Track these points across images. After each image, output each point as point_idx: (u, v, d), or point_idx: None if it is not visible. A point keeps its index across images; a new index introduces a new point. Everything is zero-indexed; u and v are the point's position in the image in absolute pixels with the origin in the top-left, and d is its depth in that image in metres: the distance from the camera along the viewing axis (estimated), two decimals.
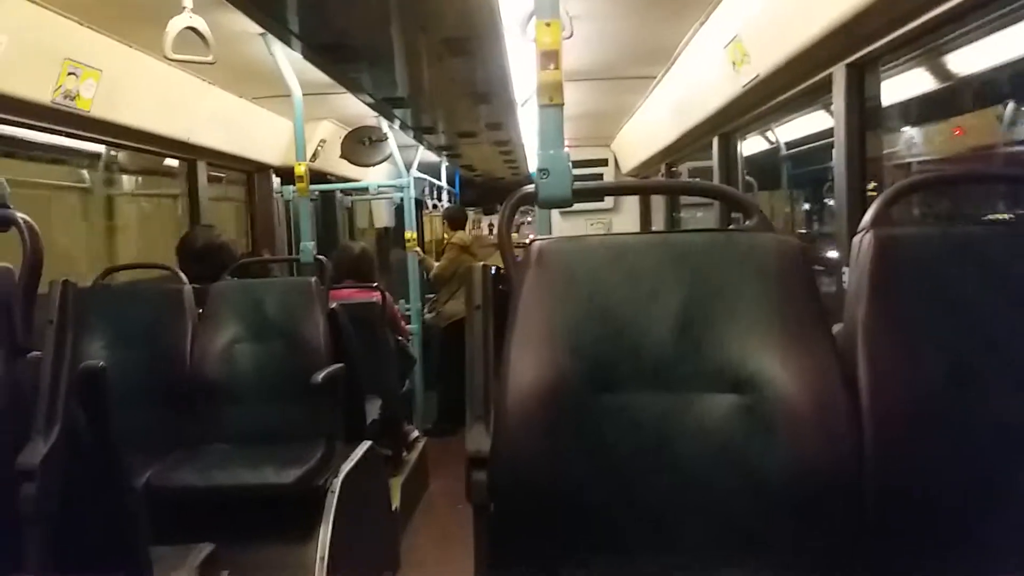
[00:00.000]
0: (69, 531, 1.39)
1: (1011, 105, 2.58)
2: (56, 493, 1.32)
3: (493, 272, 1.40)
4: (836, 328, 1.30)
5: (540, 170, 1.37)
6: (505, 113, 3.95)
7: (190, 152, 3.86)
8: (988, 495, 1.17)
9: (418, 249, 5.61)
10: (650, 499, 1.23)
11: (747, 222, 1.36)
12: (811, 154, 4.04)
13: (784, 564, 1.18)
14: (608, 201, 6.51)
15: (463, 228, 5.89)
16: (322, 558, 2.37)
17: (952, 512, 1.17)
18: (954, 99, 2.85)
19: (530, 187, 1.41)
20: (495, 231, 1.44)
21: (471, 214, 7.67)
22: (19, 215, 1.37)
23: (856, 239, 1.31)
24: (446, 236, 5.88)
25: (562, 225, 6.19)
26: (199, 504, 2.34)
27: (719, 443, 1.22)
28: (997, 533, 1.16)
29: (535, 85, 1.40)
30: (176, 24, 2.32)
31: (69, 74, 2.63)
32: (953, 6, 1.88)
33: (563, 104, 1.38)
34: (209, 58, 2.42)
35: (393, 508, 3.37)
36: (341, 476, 2.55)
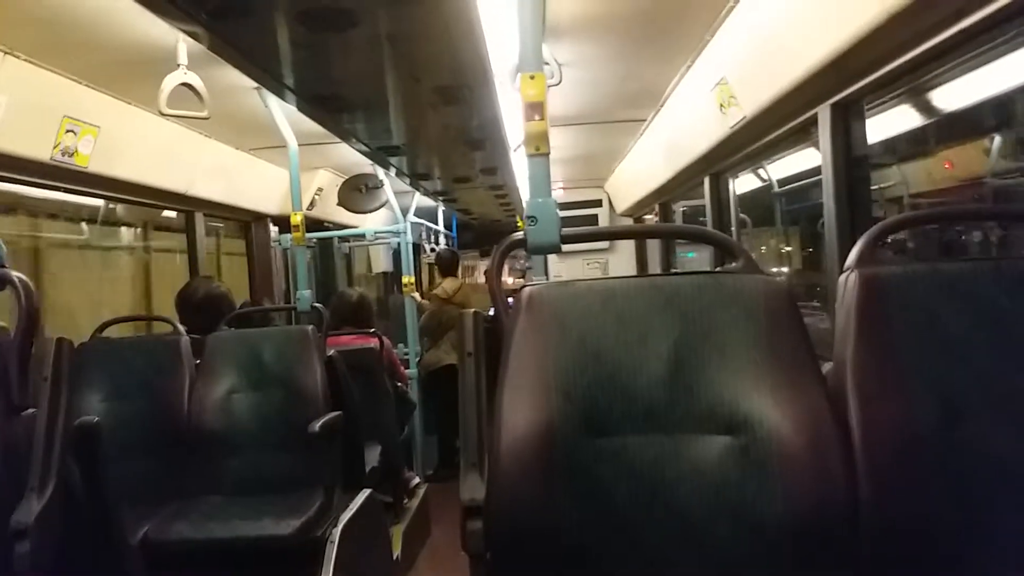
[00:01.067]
0: None
1: (998, 139, 2.62)
2: (51, 550, 1.31)
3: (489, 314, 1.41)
4: (826, 367, 1.30)
5: (529, 217, 1.39)
6: (499, 158, 4.00)
7: (188, 204, 3.90)
8: (982, 532, 1.16)
9: (416, 294, 5.61)
10: (646, 542, 1.23)
11: (733, 264, 1.37)
12: (803, 191, 4.09)
13: None
14: (604, 242, 6.55)
15: (454, 274, 5.66)
16: None
17: (946, 549, 1.16)
18: (941, 133, 2.90)
19: (520, 234, 1.44)
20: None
21: (468, 261, 7.65)
22: (14, 274, 1.39)
23: (842, 278, 1.32)
24: (436, 281, 5.74)
25: (559, 266, 6.22)
26: (197, 557, 2.32)
27: (714, 485, 1.22)
28: (990, 568, 1.15)
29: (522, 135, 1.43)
30: (171, 81, 2.37)
31: (67, 131, 2.68)
32: (933, 46, 1.92)
33: (549, 153, 1.40)
34: (204, 113, 2.47)
35: (394, 557, 3.33)
36: (340, 526, 2.53)
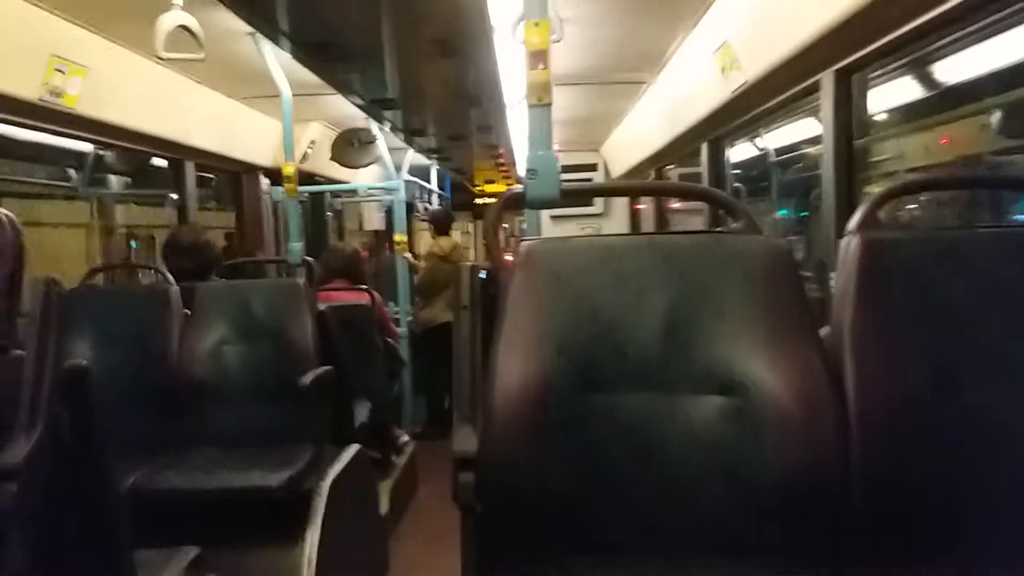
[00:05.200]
0: (51, 532, 1.37)
1: (997, 115, 2.60)
2: (38, 492, 1.30)
3: (482, 276, 1.40)
4: (823, 331, 1.30)
5: (528, 170, 1.37)
6: (495, 116, 3.96)
7: (178, 152, 3.84)
8: (973, 497, 1.17)
9: (408, 254, 5.58)
10: (638, 500, 1.23)
11: (734, 224, 1.36)
12: (800, 160, 4.07)
13: (771, 565, 1.18)
14: (598, 206, 6.52)
15: (448, 233, 5.66)
16: (309, 562, 2.34)
17: (938, 514, 1.17)
18: (940, 107, 2.88)
19: (519, 187, 1.41)
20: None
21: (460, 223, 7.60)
22: (1, 211, 1.36)
23: (843, 242, 1.31)
24: (432, 239, 5.73)
25: (552, 229, 6.19)
26: (185, 507, 2.32)
27: (707, 445, 1.22)
28: (982, 534, 1.16)
29: (524, 86, 1.40)
30: (167, 22, 2.30)
31: (56, 71, 2.61)
32: (940, 13, 1.89)
33: (551, 104, 1.38)
34: (200, 55, 2.41)
35: (381, 512, 3.35)
36: (329, 480, 2.54)
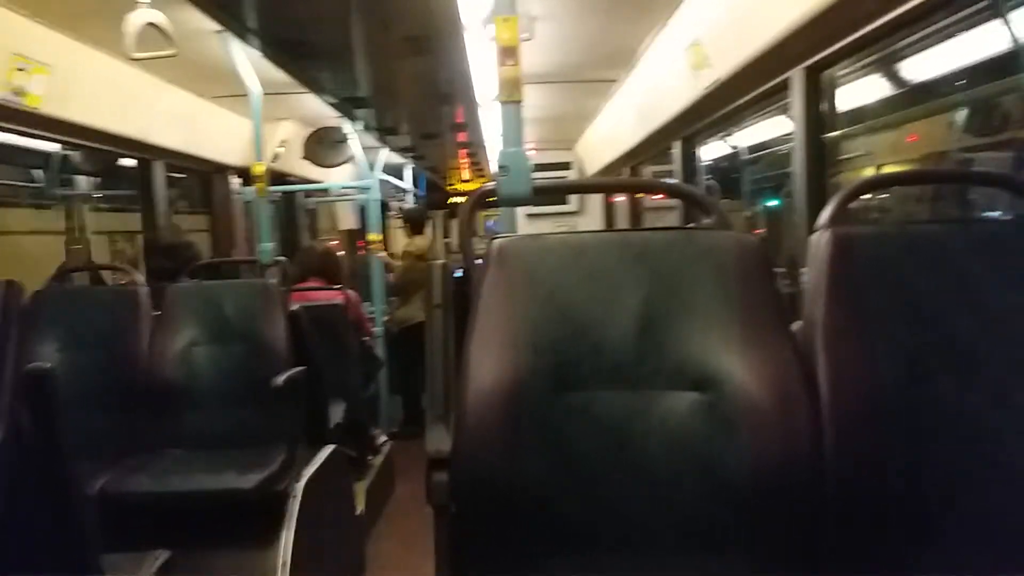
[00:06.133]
0: (15, 537, 1.34)
1: (963, 112, 2.64)
2: (1, 497, 1.27)
3: (459, 274, 1.39)
4: (796, 326, 1.31)
5: (500, 167, 1.36)
6: (468, 114, 3.95)
7: (146, 152, 3.78)
8: (945, 489, 1.18)
9: (383, 253, 5.55)
10: (612, 497, 1.23)
11: (706, 220, 1.36)
12: (771, 158, 4.10)
13: (747, 559, 1.18)
14: (573, 203, 6.54)
15: (423, 231, 5.69)
16: (284, 564, 2.32)
17: (910, 506, 1.18)
18: (908, 105, 2.91)
19: (491, 184, 1.41)
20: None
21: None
22: None
23: (814, 237, 1.32)
24: (405, 239, 5.72)
25: (527, 228, 6.18)
26: (155, 510, 2.28)
27: (681, 441, 1.22)
28: (954, 525, 1.17)
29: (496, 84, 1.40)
30: (136, 20, 2.25)
31: (17, 70, 2.56)
32: (908, 10, 1.91)
33: (522, 100, 1.37)
34: (172, 51, 2.36)
35: (357, 512, 3.33)
36: (303, 480, 2.51)
